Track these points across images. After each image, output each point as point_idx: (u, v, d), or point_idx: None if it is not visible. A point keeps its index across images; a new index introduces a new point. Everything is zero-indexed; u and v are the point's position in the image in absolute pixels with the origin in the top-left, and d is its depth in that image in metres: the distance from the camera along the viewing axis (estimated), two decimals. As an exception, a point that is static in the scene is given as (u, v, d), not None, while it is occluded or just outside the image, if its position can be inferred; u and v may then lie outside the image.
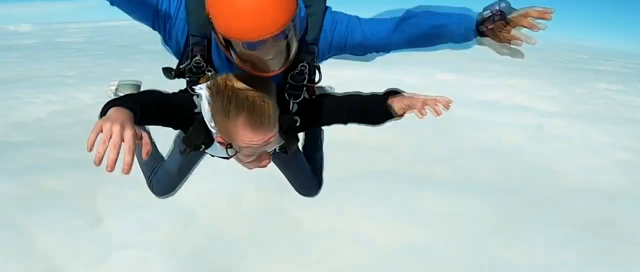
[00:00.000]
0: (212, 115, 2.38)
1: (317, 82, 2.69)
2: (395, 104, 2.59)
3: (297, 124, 2.64)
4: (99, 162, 1.83)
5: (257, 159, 2.56)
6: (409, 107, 2.49)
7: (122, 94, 3.85)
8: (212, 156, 3.07)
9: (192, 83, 2.56)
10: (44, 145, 23.94)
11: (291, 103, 2.63)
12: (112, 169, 1.83)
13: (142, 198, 16.75)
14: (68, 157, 21.48)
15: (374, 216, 17.64)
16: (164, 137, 3.88)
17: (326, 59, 2.66)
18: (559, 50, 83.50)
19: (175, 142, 3.65)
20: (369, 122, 2.83)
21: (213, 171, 18.72)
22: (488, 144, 25.65)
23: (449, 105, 2.48)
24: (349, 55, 2.72)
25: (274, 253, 15.58)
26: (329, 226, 17.04)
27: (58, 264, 14.67)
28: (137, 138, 1.94)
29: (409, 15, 2.52)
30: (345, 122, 2.85)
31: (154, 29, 2.50)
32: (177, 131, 3.51)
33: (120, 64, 43.45)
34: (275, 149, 2.75)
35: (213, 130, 2.51)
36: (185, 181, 3.87)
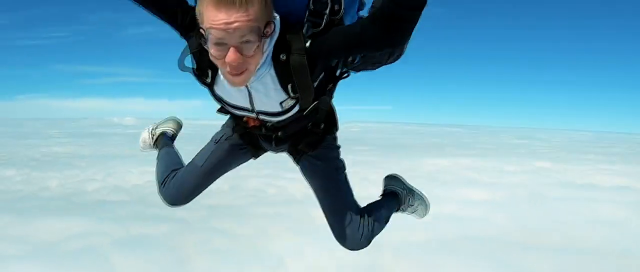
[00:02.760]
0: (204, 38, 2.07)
1: (340, 13, 2.30)
2: None
3: (307, 44, 2.20)
4: None
5: (226, 59, 2.06)
6: None
7: (159, 132, 3.93)
8: (220, 98, 2.53)
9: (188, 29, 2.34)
10: (139, 202, 25.23)
11: (306, 26, 2.25)
12: None
13: (231, 244, 17.07)
14: (161, 213, 22.30)
15: (476, 267, 17.44)
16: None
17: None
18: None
19: (212, 138, 3.29)
20: (394, 26, 2.04)
21: (311, 226, 19.16)
22: (589, 216, 24.43)
23: None
24: None
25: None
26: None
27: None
28: None
29: None
30: (365, 46, 2.18)
31: None
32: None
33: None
34: (286, 93, 2.36)
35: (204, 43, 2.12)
36: (206, 186, 3.35)
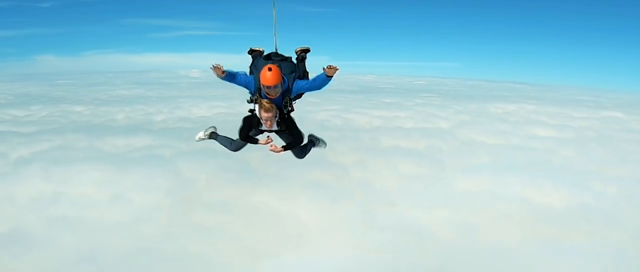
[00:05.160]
0: (257, 110, 5.21)
1: (291, 105, 5.35)
2: None
3: (286, 116, 5.35)
4: None
5: (268, 122, 5.23)
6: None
7: (209, 131, 6.65)
8: (262, 130, 5.59)
9: (253, 102, 5.38)
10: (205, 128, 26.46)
11: (284, 110, 5.38)
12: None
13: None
14: (229, 135, 23.51)
15: (542, 185, 17.85)
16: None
17: (297, 94, 5.35)
18: None
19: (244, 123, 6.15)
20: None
21: (375, 148, 19.43)
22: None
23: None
24: (310, 89, 5.32)
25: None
26: (497, 192, 17.80)
27: (197, 188, 17.38)
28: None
29: (315, 80, 5.14)
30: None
31: (246, 88, 5.32)
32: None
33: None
34: (278, 127, 5.40)
35: (258, 114, 5.25)
36: (246, 144, 6.06)
